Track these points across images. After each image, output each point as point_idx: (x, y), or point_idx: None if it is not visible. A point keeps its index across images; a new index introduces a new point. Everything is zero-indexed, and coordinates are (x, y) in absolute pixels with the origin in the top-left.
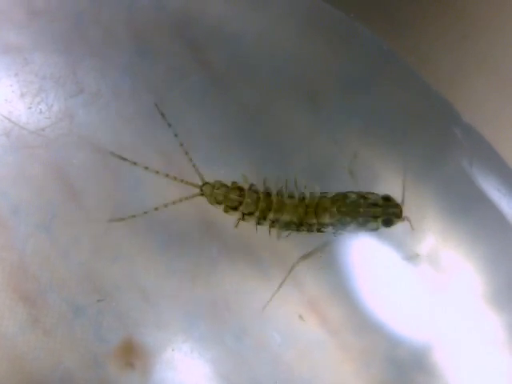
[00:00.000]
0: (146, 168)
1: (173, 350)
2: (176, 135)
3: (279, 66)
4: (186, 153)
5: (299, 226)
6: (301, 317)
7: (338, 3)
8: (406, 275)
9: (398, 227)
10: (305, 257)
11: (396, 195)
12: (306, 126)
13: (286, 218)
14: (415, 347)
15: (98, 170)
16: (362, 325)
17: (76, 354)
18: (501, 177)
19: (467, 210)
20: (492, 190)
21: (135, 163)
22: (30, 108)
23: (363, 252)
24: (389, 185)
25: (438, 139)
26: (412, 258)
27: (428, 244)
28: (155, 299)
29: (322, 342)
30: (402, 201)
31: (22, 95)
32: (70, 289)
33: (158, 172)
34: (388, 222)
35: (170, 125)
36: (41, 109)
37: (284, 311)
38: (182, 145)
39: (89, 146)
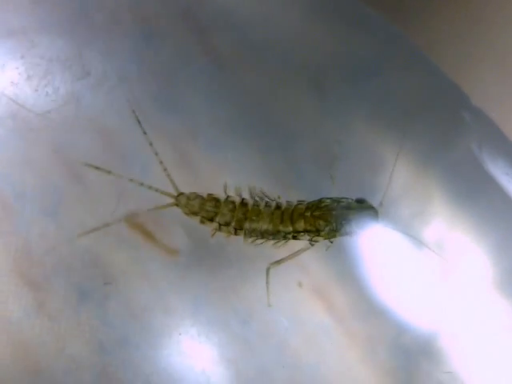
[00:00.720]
0: (121, 176)
1: (180, 334)
2: (151, 144)
3: (286, 52)
4: (161, 162)
5: (275, 234)
6: (307, 303)
7: None
8: (413, 260)
9: (405, 211)
10: (278, 262)
11: (401, 181)
12: (313, 111)
13: (261, 226)
14: (422, 333)
15: (104, 154)
16: (368, 311)
17: (81, 340)
18: (509, 161)
19: (475, 194)
20: (500, 173)
21: (145, 132)
22: (36, 91)
23: (369, 237)
24: (396, 170)
25: (447, 123)
26: (419, 242)
27: (435, 228)
28: (162, 284)
29: (328, 328)
30: (381, 202)
31: (29, 77)
32: (76, 274)
33: (131, 180)
34: (361, 225)
35: (145, 133)
36: (47, 91)
37: (290, 297)
38: (156, 154)
39: (95, 129)
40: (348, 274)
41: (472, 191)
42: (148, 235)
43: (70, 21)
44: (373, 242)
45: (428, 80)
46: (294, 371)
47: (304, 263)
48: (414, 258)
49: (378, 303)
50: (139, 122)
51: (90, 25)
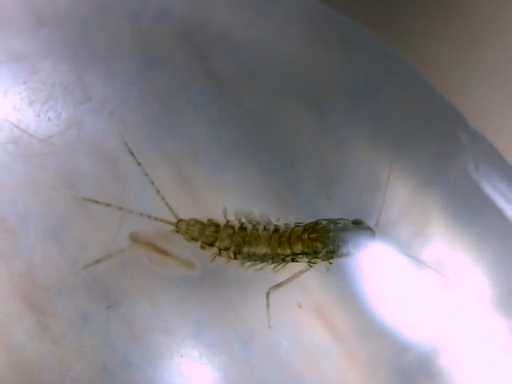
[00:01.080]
0: (146, 174)
1: (181, 356)
2: (146, 174)
3: (285, 74)
4: (158, 191)
5: (274, 257)
6: (307, 323)
7: (342, 9)
8: (413, 280)
9: (405, 232)
10: (278, 286)
11: (399, 201)
12: (312, 132)
13: (260, 250)
14: (422, 353)
15: (106, 178)
16: (369, 331)
17: (84, 362)
18: (507, 183)
19: (473, 215)
20: (497, 194)
21: (139, 163)
22: (38, 116)
23: (369, 257)
24: (394, 191)
25: (444, 143)
26: (418, 261)
27: (434, 248)
28: (163, 306)
29: (329, 348)
30: (377, 223)
31: (31, 103)
32: (79, 296)
33: (131, 211)
34: (358, 246)
35: (139, 164)
36: (49, 116)
37: (290, 318)
38: (153, 183)
39: (97, 153)
40: (348, 294)
41: (470, 211)
42: (162, 252)
43: (72, 46)
44: (373, 263)
45: (425, 101)
46: None
47: (304, 284)
48: (414, 277)
49: (379, 323)
50: (132, 154)
51: (91, 49)
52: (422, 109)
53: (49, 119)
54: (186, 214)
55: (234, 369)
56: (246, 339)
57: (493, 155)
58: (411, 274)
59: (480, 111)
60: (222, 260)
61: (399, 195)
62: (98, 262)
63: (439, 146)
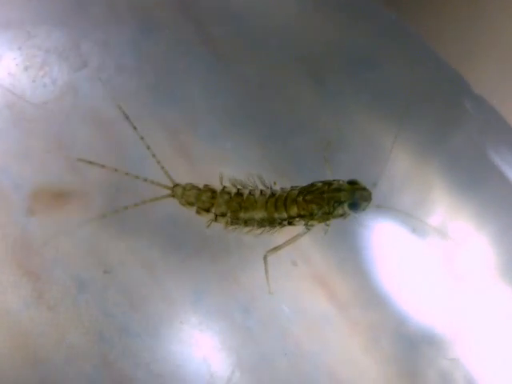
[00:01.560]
0: (142, 138)
1: (180, 322)
2: (142, 138)
3: (284, 42)
4: (154, 155)
5: (271, 222)
6: (309, 291)
7: None
8: (415, 248)
9: (407, 200)
10: (275, 249)
11: (402, 169)
12: (311, 101)
13: (257, 215)
14: (424, 321)
15: (101, 144)
16: (371, 299)
17: (81, 330)
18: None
19: (477, 182)
20: (502, 162)
21: (135, 128)
22: (33, 81)
23: (372, 225)
24: (397, 158)
25: (448, 111)
26: (421, 230)
27: (437, 216)
28: (161, 273)
29: (330, 316)
30: (375, 183)
31: (26, 69)
32: (75, 264)
33: (127, 173)
34: (354, 206)
35: (135, 128)
36: (45, 82)
37: (291, 285)
38: (149, 147)
39: (92, 119)
40: (350, 262)
41: (474, 179)
42: None
43: (68, 12)
44: (374, 231)
45: (428, 68)
46: (295, 359)
47: (305, 252)
48: (417, 246)
49: (380, 292)
50: (127, 117)
51: (87, 16)
52: (424, 76)
53: (44, 85)
54: (182, 181)
55: (233, 336)
56: (246, 306)
57: (498, 121)
58: (414, 241)
59: (484, 77)
60: (221, 226)
61: (402, 163)
62: (92, 219)
63: (443, 113)
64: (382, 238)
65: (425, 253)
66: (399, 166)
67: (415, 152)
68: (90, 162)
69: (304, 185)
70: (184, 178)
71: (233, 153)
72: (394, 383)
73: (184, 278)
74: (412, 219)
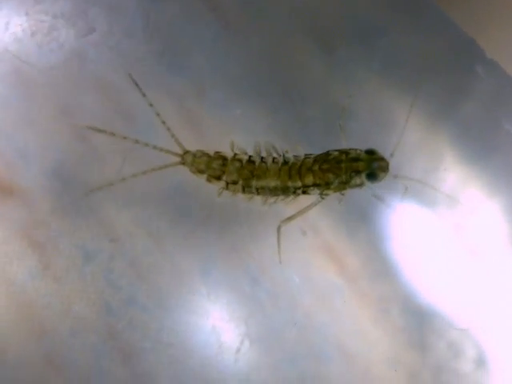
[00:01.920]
0: (151, 105)
1: (189, 293)
2: (151, 105)
3: (293, 10)
4: (163, 122)
5: (285, 190)
6: (318, 262)
7: None
8: (426, 218)
9: (419, 167)
10: (290, 219)
11: (414, 137)
12: (321, 69)
13: (269, 183)
14: (434, 293)
15: (109, 112)
16: (380, 271)
17: (87, 301)
18: None
19: (489, 149)
20: None
21: (144, 95)
22: (40, 47)
23: (382, 196)
24: (409, 126)
25: (460, 78)
26: (432, 200)
27: (449, 184)
28: (168, 243)
29: (340, 287)
30: (392, 153)
31: (33, 34)
32: (81, 234)
33: (136, 141)
34: (372, 176)
35: (144, 95)
36: (51, 48)
37: (301, 257)
38: (158, 114)
39: (99, 86)
40: (359, 233)
41: (486, 147)
42: None
43: None
44: (386, 201)
45: (441, 34)
46: (305, 330)
47: (316, 223)
48: (427, 215)
49: (390, 263)
50: (137, 85)
51: None
52: (436, 42)
53: (51, 51)
54: (190, 149)
55: (243, 306)
56: (255, 276)
57: (510, 86)
58: (424, 211)
59: (497, 41)
60: (230, 196)
61: (414, 131)
62: (100, 188)
63: (455, 80)
64: (393, 209)
65: (436, 224)
66: (411, 133)
67: (427, 120)
68: (100, 130)
69: (317, 153)
70: (192, 146)
71: (242, 121)
72: (403, 355)
73: (192, 249)
74: (425, 189)
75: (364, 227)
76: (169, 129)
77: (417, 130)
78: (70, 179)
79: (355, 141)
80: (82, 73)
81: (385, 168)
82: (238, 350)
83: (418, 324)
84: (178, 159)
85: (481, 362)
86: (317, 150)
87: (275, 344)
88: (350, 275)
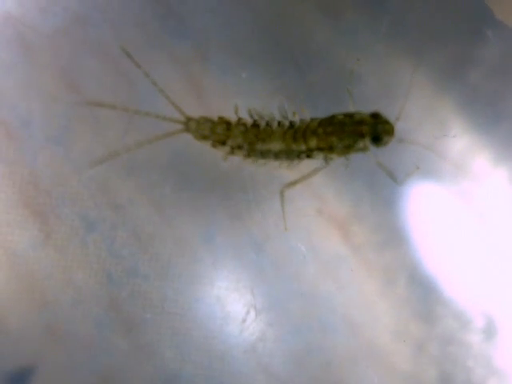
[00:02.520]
0: (147, 75)
1: (192, 262)
2: (148, 75)
3: None
4: (162, 90)
5: (289, 154)
6: (324, 232)
7: None
8: (432, 187)
9: (426, 135)
10: (292, 183)
11: (422, 102)
12: (326, 33)
13: (274, 147)
14: (441, 263)
15: (111, 78)
16: (386, 241)
17: (89, 271)
18: None
19: (499, 114)
20: None
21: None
22: (43, 11)
23: (386, 165)
24: (416, 91)
25: (469, 41)
26: (438, 169)
27: (456, 151)
28: (171, 212)
29: (346, 257)
30: (398, 117)
31: None
32: (83, 203)
33: (138, 112)
34: (377, 140)
35: (139, 66)
36: (55, 12)
37: (306, 226)
38: (155, 84)
39: (103, 51)
40: (365, 203)
41: (496, 111)
42: None
43: None
44: (391, 169)
45: None
46: (310, 300)
47: (321, 192)
48: (434, 185)
49: (397, 233)
50: (130, 56)
51: None
52: (444, 3)
53: (54, 14)
54: (195, 114)
55: (248, 275)
56: (261, 244)
57: None
58: (429, 179)
59: (507, 1)
60: (233, 163)
61: (421, 96)
62: (103, 161)
63: (463, 43)
64: (398, 178)
65: (443, 192)
66: (418, 100)
67: (434, 84)
68: (101, 105)
69: (323, 116)
70: (196, 110)
71: (247, 85)
72: (410, 326)
73: (195, 217)
74: (431, 156)
75: (370, 196)
76: (168, 97)
77: (424, 95)
78: (73, 147)
79: (362, 105)
80: (85, 37)
81: (389, 131)
82: (244, 320)
83: (424, 294)
84: (181, 126)
85: (489, 332)
86: (322, 114)
87: (281, 314)
88: (355, 245)
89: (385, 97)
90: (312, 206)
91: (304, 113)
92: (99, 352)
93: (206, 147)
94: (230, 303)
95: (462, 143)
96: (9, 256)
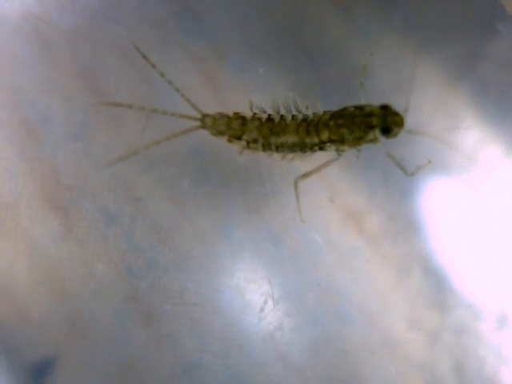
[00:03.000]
0: (162, 75)
1: (210, 254)
2: (162, 75)
3: None
4: (177, 89)
5: (303, 147)
6: (339, 223)
7: None
8: (444, 178)
9: (438, 126)
10: (306, 175)
11: (433, 95)
12: (340, 28)
13: (288, 140)
14: (454, 254)
15: (129, 75)
16: (400, 233)
17: (109, 264)
18: None
19: (510, 109)
20: None
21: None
22: (63, 8)
23: (398, 157)
24: (428, 84)
25: (480, 35)
26: (450, 159)
27: (468, 143)
28: (190, 205)
29: (361, 248)
30: (407, 108)
31: None
32: (103, 198)
33: (155, 110)
34: (386, 131)
35: (154, 66)
36: (74, 9)
37: (322, 218)
38: (171, 82)
39: (121, 48)
40: (379, 195)
41: (507, 104)
42: None
43: None
44: (404, 161)
45: None
46: (328, 290)
47: (335, 184)
48: (445, 175)
49: (410, 224)
50: (146, 57)
51: None
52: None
53: (73, 12)
54: (211, 109)
55: (266, 266)
56: (278, 236)
57: None
58: (443, 173)
59: None
60: (249, 157)
61: (433, 88)
62: (122, 159)
63: (474, 37)
64: (410, 167)
65: (455, 184)
66: (429, 90)
67: (446, 77)
68: (117, 105)
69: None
70: (213, 106)
71: (263, 80)
72: (423, 316)
73: (214, 210)
74: (443, 148)
75: (383, 187)
76: (184, 95)
77: (436, 88)
78: (93, 144)
79: (374, 98)
80: (105, 34)
81: (399, 123)
82: (262, 309)
83: (438, 284)
84: (198, 123)
85: (501, 322)
86: (336, 108)
87: (298, 304)
88: (370, 236)
89: (396, 90)
90: (327, 198)
91: (317, 106)
92: (119, 342)
93: (222, 142)
94: (249, 293)
95: (472, 135)
96: (31, 249)
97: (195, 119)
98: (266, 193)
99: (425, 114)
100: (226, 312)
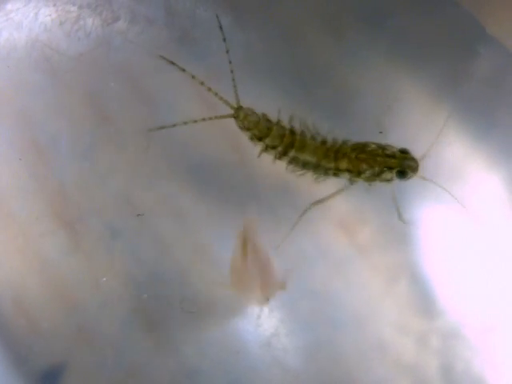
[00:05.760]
0: (193, 77)
1: (209, 267)
2: (193, 77)
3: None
4: (209, 88)
5: (316, 167)
6: (329, 232)
7: None
8: (433, 190)
9: (418, 144)
10: (317, 202)
11: (417, 114)
12: (330, 52)
13: (305, 157)
14: (439, 264)
15: (133, 97)
16: (388, 243)
17: (114, 276)
18: None
19: (492, 124)
20: None
21: (183, 70)
22: (68, 36)
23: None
24: (410, 104)
25: (462, 56)
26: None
27: (451, 159)
28: (189, 222)
29: (352, 258)
30: (425, 155)
31: (61, 24)
32: (108, 213)
33: (202, 83)
34: (402, 174)
35: (183, 70)
36: (79, 36)
37: (314, 229)
38: (202, 83)
39: (125, 72)
40: (368, 205)
41: (489, 122)
42: None
43: None
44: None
45: (443, 12)
46: (320, 298)
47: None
48: (434, 186)
49: (399, 234)
50: (173, 63)
51: None
52: (438, 21)
53: (79, 39)
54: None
55: None
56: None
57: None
58: (431, 183)
59: (499, 19)
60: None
61: (417, 105)
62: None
63: (456, 58)
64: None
65: (442, 196)
66: (415, 110)
67: (429, 98)
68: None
69: (337, 137)
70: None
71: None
72: (411, 323)
73: (213, 225)
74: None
75: (372, 200)
76: (216, 93)
77: (420, 106)
78: (99, 163)
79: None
80: (108, 60)
81: (415, 168)
82: (259, 316)
83: (425, 292)
84: (231, 112)
85: (486, 326)
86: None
87: (293, 311)
88: (361, 246)
89: (381, 108)
90: (319, 211)
91: (335, 133)
92: (125, 350)
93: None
94: (245, 301)
95: (457, 150)
96: (41, 263)
97: (231, 107)
98: (263, 209)
99: (411, 131)
100: (224, 320)
